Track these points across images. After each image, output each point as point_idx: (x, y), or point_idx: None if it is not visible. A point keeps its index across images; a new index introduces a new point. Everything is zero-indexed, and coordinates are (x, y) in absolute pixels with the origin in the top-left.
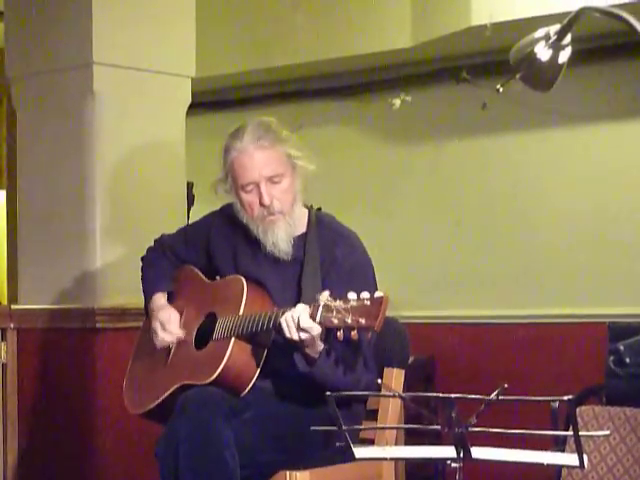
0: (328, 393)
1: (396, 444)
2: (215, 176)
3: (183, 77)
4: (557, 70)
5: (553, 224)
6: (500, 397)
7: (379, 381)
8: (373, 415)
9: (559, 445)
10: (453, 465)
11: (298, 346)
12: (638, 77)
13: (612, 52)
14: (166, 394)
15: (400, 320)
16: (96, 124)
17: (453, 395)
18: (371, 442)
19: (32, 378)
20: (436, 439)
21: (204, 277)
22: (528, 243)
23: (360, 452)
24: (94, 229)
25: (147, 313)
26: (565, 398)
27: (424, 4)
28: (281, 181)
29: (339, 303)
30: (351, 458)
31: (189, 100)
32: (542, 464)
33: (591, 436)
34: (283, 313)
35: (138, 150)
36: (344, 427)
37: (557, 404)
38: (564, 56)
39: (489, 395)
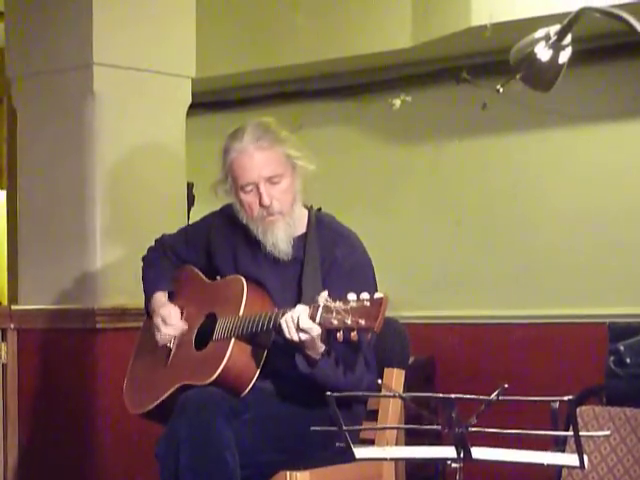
0: (328, 393)
1: (396, 444)
2: (215, 176)
3: (183, 77)
4: (557, 70)
5: (553, 224)
6: (500, 397)
7: (379, 381)
8: (373, 415)
9: (559, 445)
10: (453, 465)
11: (299, 347)
12: (638, 77)
13: (612, 52)
14: (166, 394)
15: (400, 320)
16: (96, 124)
17: (453, 395)
18: (371, 442)
19: (32, 378)
20: (436, 439)
21: (204, 277)
22: (528, 243)
23: (360, 452)
24: (94, 229)
25: (147, 313)
26: (565, 398)
27: (424, 4)
28: (281, 181)
29: (339, 304)
30: (351, 458)
31: (189, 100)
32: (542, 464)
33: (591, 436)
34: (283, 314)
35: (138, 150)
36: (344, 427)
37: (557, 404)
38: (564, 56)
39: (489, 395)
